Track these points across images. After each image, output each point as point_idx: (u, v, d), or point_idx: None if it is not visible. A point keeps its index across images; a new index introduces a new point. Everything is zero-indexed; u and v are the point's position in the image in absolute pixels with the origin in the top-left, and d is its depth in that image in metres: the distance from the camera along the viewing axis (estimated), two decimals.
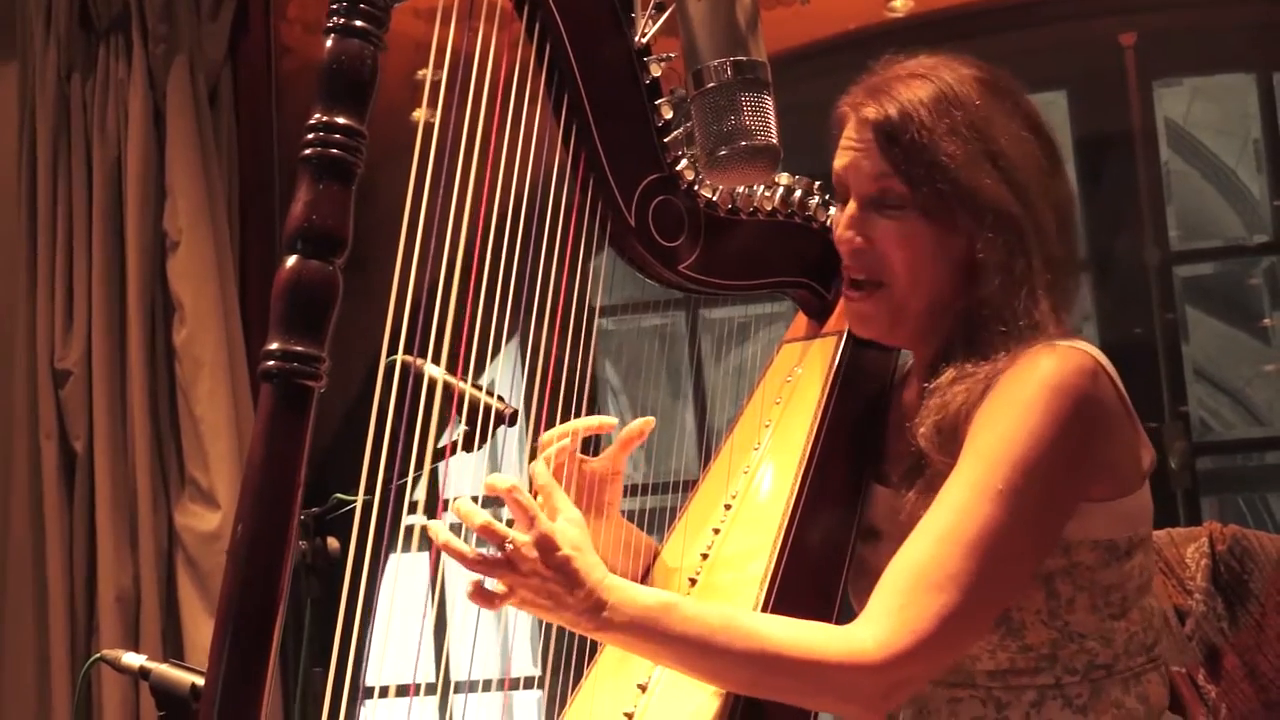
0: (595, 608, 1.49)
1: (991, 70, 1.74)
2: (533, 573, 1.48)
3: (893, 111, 1.69)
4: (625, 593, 1.52)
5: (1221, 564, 1.94)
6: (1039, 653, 1.67)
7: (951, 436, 1.63)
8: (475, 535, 1.49)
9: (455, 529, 1.49)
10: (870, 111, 1.71)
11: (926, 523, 1.58)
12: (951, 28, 3.68)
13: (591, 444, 1.80)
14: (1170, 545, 1.95)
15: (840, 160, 1.76)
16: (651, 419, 1.77)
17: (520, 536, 1.48)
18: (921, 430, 1.65)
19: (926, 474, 1.65)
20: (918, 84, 1.70)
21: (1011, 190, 1.66)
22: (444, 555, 1.50)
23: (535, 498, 1.53)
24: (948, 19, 3.69)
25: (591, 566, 1.50)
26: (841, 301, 1.91)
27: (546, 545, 1.48)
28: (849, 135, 1.75)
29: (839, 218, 1.78)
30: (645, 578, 1.84)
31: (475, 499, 1.52)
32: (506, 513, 1.53)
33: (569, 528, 1.51)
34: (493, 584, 1.49)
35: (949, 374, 1.67)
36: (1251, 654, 1.89)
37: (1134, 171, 3.65)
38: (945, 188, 1.66)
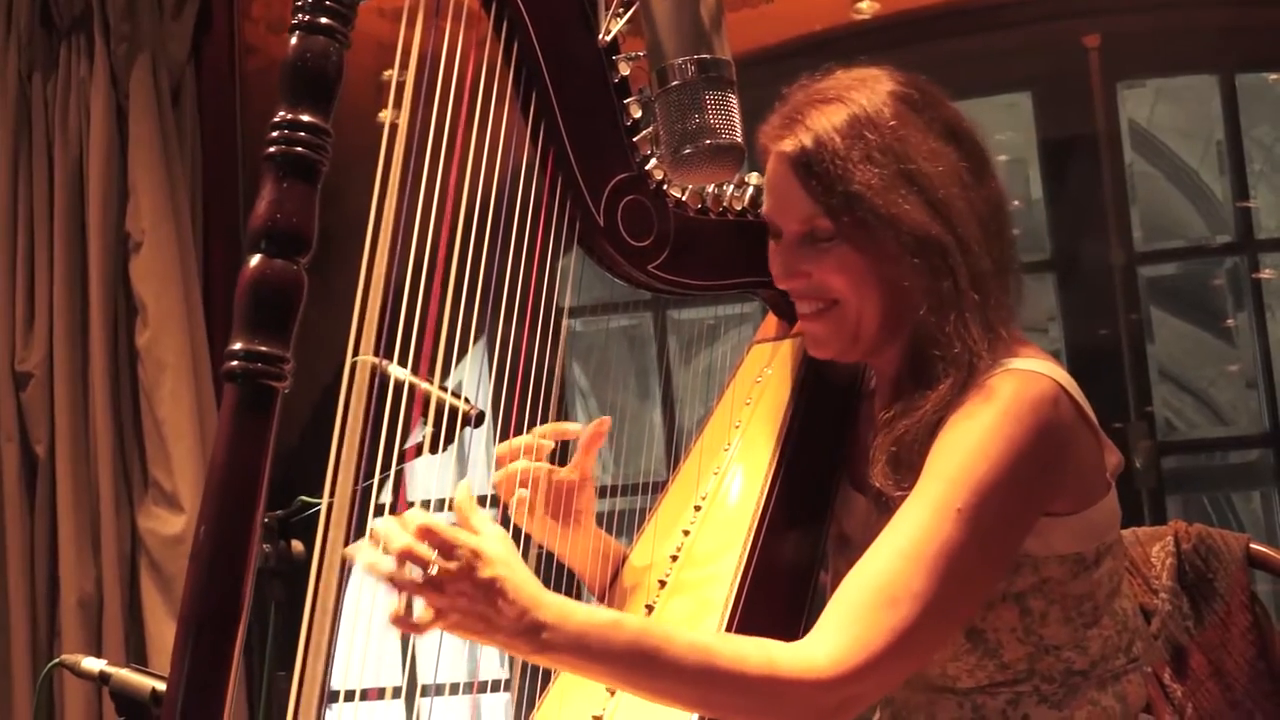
0: (531, 629, 1.39)
1: (909, 80, 1.71)
2: (459, 594, 1.37)
3: (807, 142, 1.66)
4: (563, 611, 1.42)
5: (1187, 563, 1.94)
6: (1016, 669, 1.68)
7: (908, 468, 1.62)
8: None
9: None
10: (786, 145, 1.69)
11: (884, 539, 1.56)
12: (916, 30, 3.68)
13: (558, 451, 1.79)
14: (1136, 544, 1.95)
15: (766, 203, 1.75)
16: (608, 418, 1.76)
17: (444, 561, 1.38)
18: (875, 470, 1.65)
19: (891, 505, 1.62)
20: (831, 109, 1.67)
21: (930, 210, 1.64)
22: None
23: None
24: (913, 21, 3.69)
25: (522, 584, 1.40)
26: None
27: (471, 565, 1.37)
28: (770, 173, 1.73)
29: (773, 253, 1.76)
30: (614, 581, 1.83)
31: (427, 504, 1.49)
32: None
33: (493, 544, 1.40)
34: (420, 609, 1.39)
35: (897, 408, 1.66)
36: (1217, 652, 1.90)
37: (1098, 173, 3.67)
38: (865, 215, 1.64)
